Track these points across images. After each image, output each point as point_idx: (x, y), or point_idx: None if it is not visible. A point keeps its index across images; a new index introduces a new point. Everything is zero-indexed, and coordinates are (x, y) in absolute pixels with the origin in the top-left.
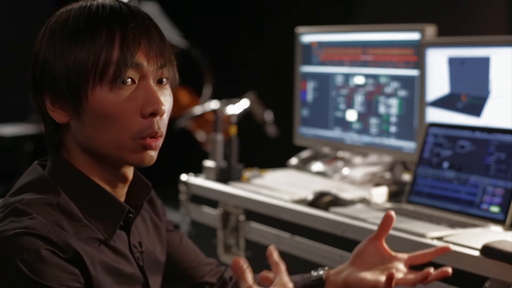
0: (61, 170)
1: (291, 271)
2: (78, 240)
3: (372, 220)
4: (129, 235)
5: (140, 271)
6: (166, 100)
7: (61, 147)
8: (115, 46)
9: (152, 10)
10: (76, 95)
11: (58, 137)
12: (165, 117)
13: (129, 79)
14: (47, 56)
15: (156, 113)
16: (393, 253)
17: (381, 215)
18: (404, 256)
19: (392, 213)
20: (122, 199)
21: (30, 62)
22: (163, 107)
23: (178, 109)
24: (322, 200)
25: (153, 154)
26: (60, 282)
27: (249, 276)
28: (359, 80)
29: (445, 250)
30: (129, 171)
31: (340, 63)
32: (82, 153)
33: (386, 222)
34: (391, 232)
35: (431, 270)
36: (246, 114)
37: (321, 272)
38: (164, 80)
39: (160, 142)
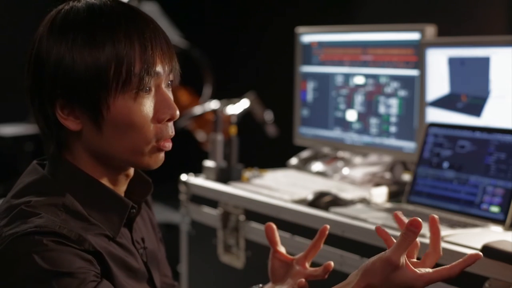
0: (62, 169)
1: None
2: (89, 235)
3: (372, 220)
4: (132, 232)
5: (145, 267)
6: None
7: (63, 148)
8: (136, 56)
9: (152, 10)
10: (97, 104)
11: (62, 140)
12: None
13: (148, 88)
14: (59, 61)
15: (172, 118)
16: (292, 257)
17: (381, 215)
18: (301, 255)
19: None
20: (122, 195)
21: (31, 62)
22: (177, 112)
23: (178, 109)
24: (322, 200)
25: (163, 155)
26: (75, 267)
27: None
28: (359, 80)
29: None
30: (131, 169)
31: (340, 63)
32: (89, 156)
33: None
34: (391, 232)
35: (331, 263)
36: (246, 114)
37: None
38: (170, 82)
39: (171, 143)
